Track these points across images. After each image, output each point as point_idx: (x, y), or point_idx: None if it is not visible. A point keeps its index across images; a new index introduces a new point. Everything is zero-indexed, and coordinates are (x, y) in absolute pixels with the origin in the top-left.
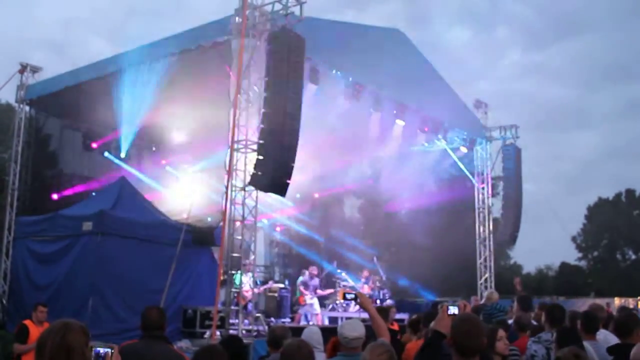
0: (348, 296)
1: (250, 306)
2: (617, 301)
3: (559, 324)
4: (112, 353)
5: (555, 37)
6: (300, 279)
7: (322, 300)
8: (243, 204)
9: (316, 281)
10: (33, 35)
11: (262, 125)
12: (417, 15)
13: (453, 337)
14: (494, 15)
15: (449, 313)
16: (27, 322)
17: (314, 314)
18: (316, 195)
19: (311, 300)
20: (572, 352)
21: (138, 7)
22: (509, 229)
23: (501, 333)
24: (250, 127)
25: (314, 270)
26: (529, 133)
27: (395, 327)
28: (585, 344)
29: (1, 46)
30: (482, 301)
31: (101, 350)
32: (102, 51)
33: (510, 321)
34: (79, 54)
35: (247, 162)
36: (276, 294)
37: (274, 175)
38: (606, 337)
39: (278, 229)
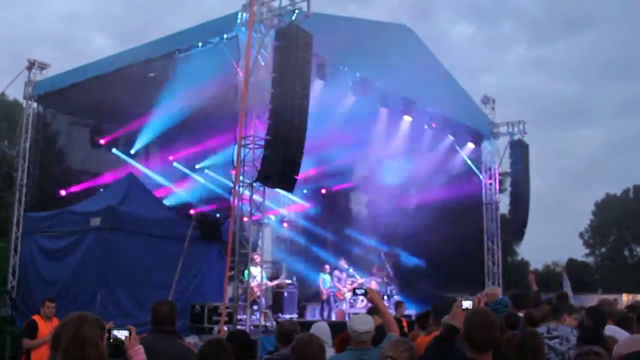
0: (358, 291)
1: (261, 301)
2: (624, 297)
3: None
4: (130, 335)
5: (561, 32)
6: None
7: None
8: (250, 200)
9: (344, 274)
10: (35, 31)
11: (269, 121)
12: (420, 9)
13: (465, 330)
14: (499, 9)
15: (462, 307)
16: (35, 317)
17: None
18: (323, 191)
19: (349, 293)
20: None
21: (142, 3)
22: (516, 224)
23: None
24: (258, 123)
25: (343, 262)
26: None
27: (404, 323)
28: None
29: (4, 41)
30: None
31: (118, 334)
32: (105, 47)
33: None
34: (82, 50)
35: (254, 158)
36: (283, 290)
37: (281, 171)
38: (614, 333)
39: (285, 225)
